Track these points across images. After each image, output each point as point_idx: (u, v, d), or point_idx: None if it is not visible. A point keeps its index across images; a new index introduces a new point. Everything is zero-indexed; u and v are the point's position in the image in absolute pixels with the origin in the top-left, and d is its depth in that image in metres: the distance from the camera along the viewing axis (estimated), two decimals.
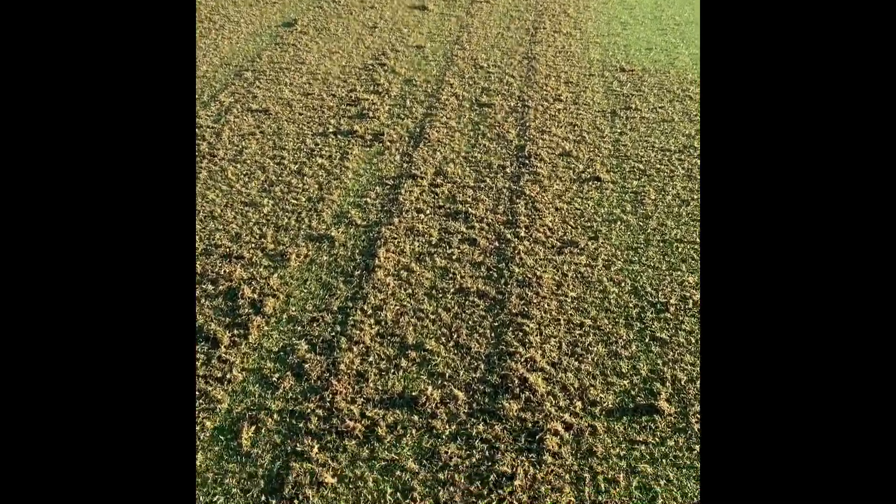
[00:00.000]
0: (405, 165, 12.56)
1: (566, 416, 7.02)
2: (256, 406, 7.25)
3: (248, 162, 12.65)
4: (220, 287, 9.00)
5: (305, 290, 9.13)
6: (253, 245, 10.08)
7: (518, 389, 7.39)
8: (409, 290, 9.08)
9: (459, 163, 12.55)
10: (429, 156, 12.87)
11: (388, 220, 10.79)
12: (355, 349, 8.01)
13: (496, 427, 6.92)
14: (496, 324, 8.46)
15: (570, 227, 10.56)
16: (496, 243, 10.15)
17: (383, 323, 8.47)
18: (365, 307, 8.72)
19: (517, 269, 9.47)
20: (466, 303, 8.83)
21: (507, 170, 12.38)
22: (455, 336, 8.24)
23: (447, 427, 6.95)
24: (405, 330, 8.34)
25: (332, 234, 10.34)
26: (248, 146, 13.23)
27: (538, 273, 9.39)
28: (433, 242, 10.16)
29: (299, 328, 8.41)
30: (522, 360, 7.80)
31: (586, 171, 12.30)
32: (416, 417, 7.05)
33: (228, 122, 13.72)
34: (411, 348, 8.07)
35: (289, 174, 12.17)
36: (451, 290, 9.07)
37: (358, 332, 8.27)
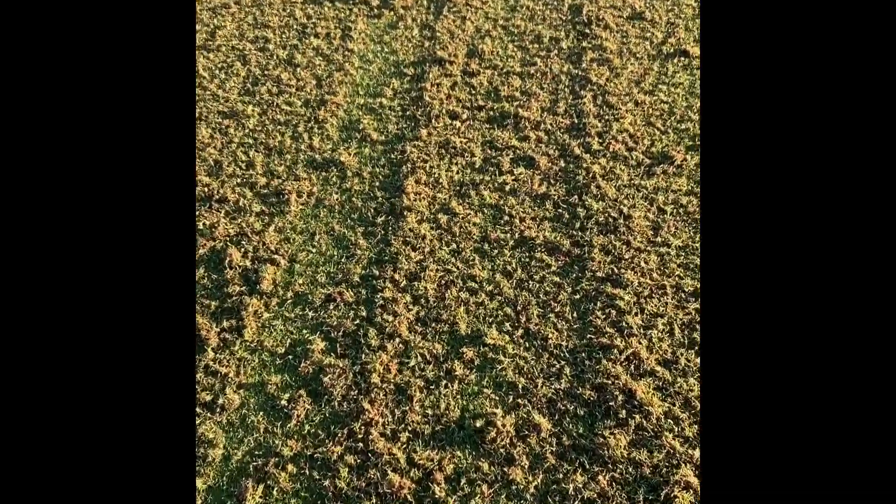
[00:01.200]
0: (427, 44, 9.59)
1: (697, 454, 4.96)
2: (263, 450, 5.22)
3: (223, 49, 9.71)
4: (200, 251, 6.67)
5: (314, 250, 6.79)
6: (238, 180, 7.58)
7: (623, 410, 5.28)
8: (454, 246, 6.71)
9: (498, 36, 9.54)
10: (456, 27, 9.83)
11: (412, 131, 8.13)
12: (389, 346, 5.84)
13: (600, 478, 4.89)
14: (578, 296, 6.18)
15: (657, 132, 7.88)
16: (561, 162, 7.57)
17: (423, 301, 6.22)
18: (396, 276, 6.42)
19: (595, 205, 6.99)
20: (533, 262, 6.49)
21: (563, 44, 9.40)
22: (523, 319, 6.01)
23: (530, 479, 4.94)
24: (454, 311, 6.11)
25: (342, 157, 7.77)
26: (222, 25, 10.20)
27: (624, 209, 6.93)
28: (476, 165, 7.60)
29: (311, 314, 6.19)
30: (622, 358, 5.62)
31: (667, 41, 9.30)
32: (484, 464, 5.02)
33: None
34: (466, 342, 5.89)
35: (276, 65, 9.30)
36: (510, 243, 6.69)
37: (391, 317, 6.05)
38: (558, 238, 6.72)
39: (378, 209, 7.19)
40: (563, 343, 5.81)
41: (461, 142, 7.88)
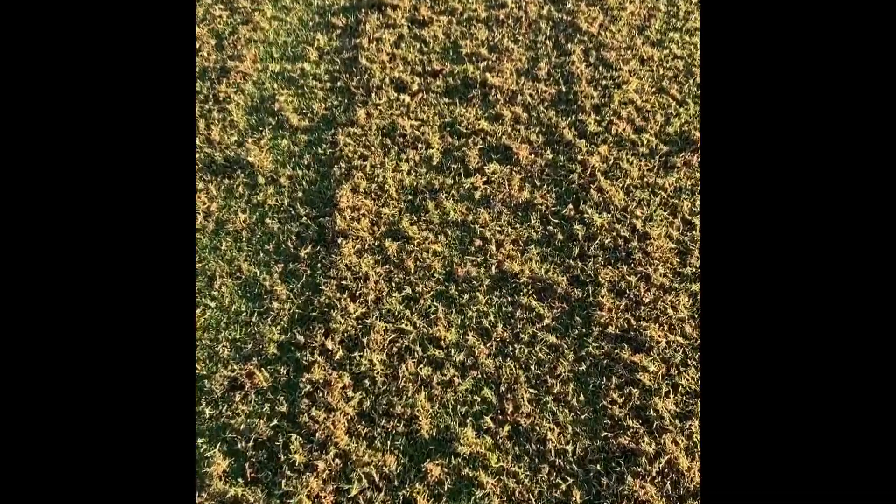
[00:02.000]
0: None
1: None
2: None
3: None
4: None
5: (213, 305, 4.85)
6: None
7: None
8: (408, 290, 4.83)
9: None
10: None
11: (346, 111, 6.04)
12: (321, 464, 4.06)
13: None
14: (583, 367, 4.42)
15: (672, 103, 5.93)
16: (548, 153, 5.62)
17: (368, 383, 4.40)
18: (329, 343, 4.56)
19: (597, 219, 5.13)
20: (518, 313, 4.67)
21: None
22: (510, 408, 4.25)
23: None
24: (412, 398, 4.31)
25: (250, 154, 5.69)
26: None
27: (638, 224, 5.08)
28: (434, 161, 5.61)
29: (208, 411, 4.33)
30: (654, 471, 3.93)
31: None
32: None
33: None
34: (431, 450, 4.13)
35: None
36: (486, 282, 4.83)
37: (322, 412, 4.25)
38: (551, 272, 4.87)
39: (302, 235, 5.21)
40: (568, 447, 4.09)
41: (412, 126, 5.83)
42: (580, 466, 4.04)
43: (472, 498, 3.94)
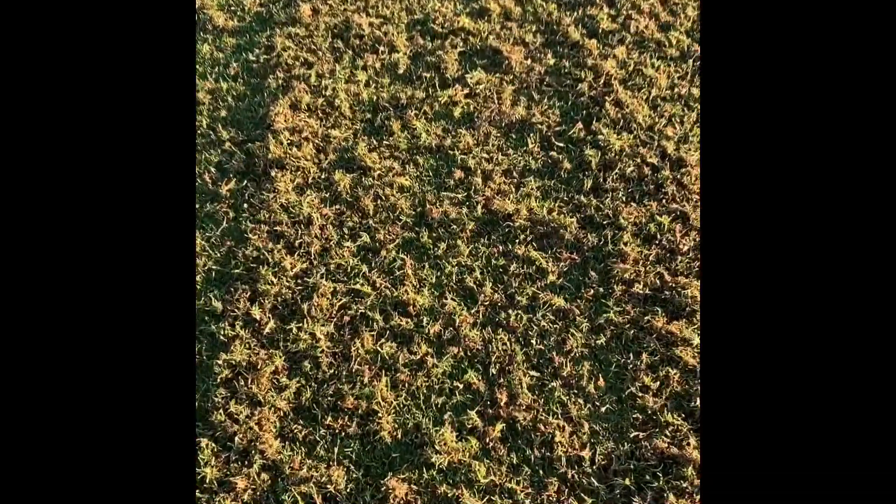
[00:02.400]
0: None
1: None
2: None
3: None
4: None
5: None
6: None
7: None
8: (364, 238, 3.60)
9: None
10: None
11: (286, 7, 4.65)
12: (239, 482, 2.89)
13: None
14: (602, 340, 3.27)
15: None
16: (548, 56, 4.31)
17: (309, 368, 3.21)
18: (255, 311, 3.35)
19: (614, 141, 3.89)
20: (513, 268, 3.48)
21: None
22: (503, 398, 3.10)
23: None
24: (369, 387, 3.14)
25: None
26: None
27: (669, 146, 3.85)
28: (400, 67, 4.28)
29: None
30: None
31: None
32: None
33: None
34: (396, 462, 2.98)
35: None
36: (469, 226, 3.62)
37: (245, 408, 3.06)
38: (555, 212, 3.65)
39: (224, 166, 3.92)
40: (584, 453, 2.94)
41: (371, 24, 4.47)
42: (602, 481, 2.90)
43: None
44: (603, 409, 3.08)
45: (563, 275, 3.47)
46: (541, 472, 2.94)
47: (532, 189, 3.75)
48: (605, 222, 3.63)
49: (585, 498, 2.86)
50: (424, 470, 2.95)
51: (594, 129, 3.97)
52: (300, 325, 3.33)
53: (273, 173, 3.84)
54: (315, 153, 3.95)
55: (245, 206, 3.74)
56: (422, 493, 2.91)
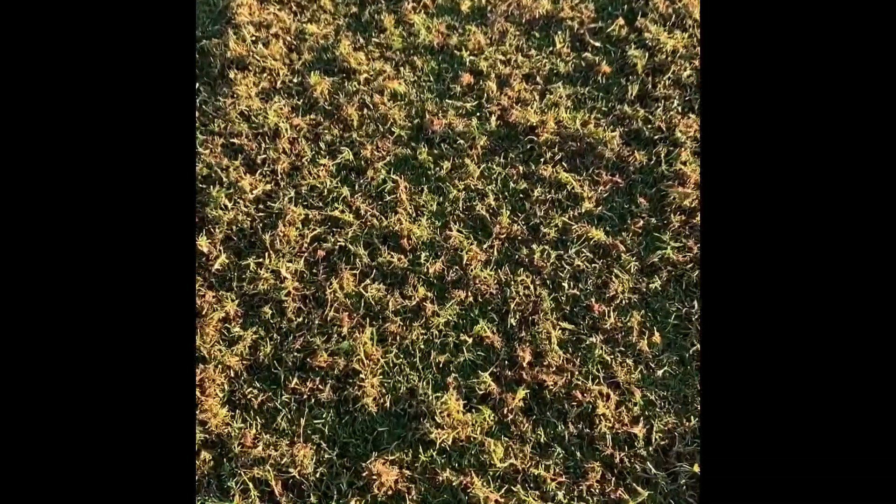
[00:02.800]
0: None
1: None
2: None
3: None
4: None
5: None
6: None
7: None
8: (345, 155, 2.81)
9: None
10: None
11: None
12: None
13: None
14: (661, 286, 2.48)
15: None
16: None
17: (272, 311, 2.43)
18: (212, 233, 2.55)
19: (667, 41, 3.08)
20: (536, 194, 2.69)
21: None
22: (525, 355, 2.32)
23: None
24: (349, 349, 2.36)
25: None
26: None
27: None
28: None
29: None
30: None
31: None
32: None
33: None
34: (384, 434, 2.20)
35: None
36: (480, 143, 2.83)
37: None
38: (591, 125, 2.86)
39: None
40: (637, 430, 2.18)
41: None
42: (661, 467, 2.14)
43: None
44: (660, 373, 2.31)
45: (602, 202, 2.68)
46: (578, 454, 2.18)
47: (561, 97, 2.95)
48: (656, 137, 2.84)
49: (640, 490, 2.10)
50: (421, 450, 2.19)
51: (639, 27, 3.17)
52: (260, 260, 2.55)
53: (232, 75, 3.03)
54: (286, 52, 3.14)
55: (196, 113, 2.94)
56: (417, 480, 2.14)
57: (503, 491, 2.11)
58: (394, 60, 3.12)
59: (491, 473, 2.15)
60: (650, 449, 2.18)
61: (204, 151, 2.81)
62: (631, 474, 2.14)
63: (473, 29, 3.19)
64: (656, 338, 2.37)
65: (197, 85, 3.02)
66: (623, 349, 2.36)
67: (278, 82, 3.04)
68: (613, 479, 2.13)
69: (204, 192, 2.71)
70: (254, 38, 3.15)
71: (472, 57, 3.11)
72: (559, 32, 3.18)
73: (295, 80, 3.04)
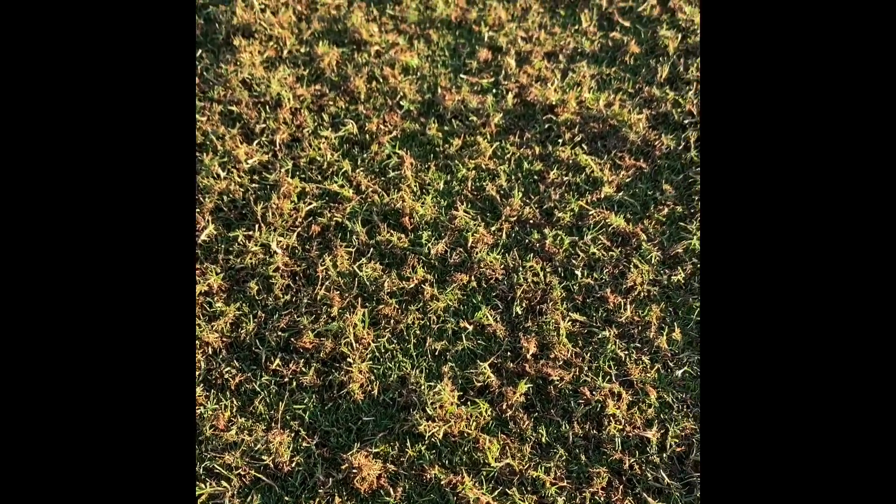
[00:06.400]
0: None
1: None
2: None
3: None
4: None
5: None
6: None
7: None
8: (349, 128, 2.63)
9: None
10: None
11: None
12: None
13: None
14: (685, 278, 2.24)
15: None
16: None
17: (258, 286, 2.24)
18: (201, 202, 2.37)
19: (699, 18, 2.84)
20: (551, 178, 2.47)
21: None
22: (532, 355, 2.09)
23: None
24: (338, 331, 2.15)
25: None
26: None
27: None
28: None
29: None
30: None
31: None
32: None
33: None
34: (370, 424, 1.99)
35: None
36: (495, 120, 2.63)
37: None
38: (615, 106, 2.66)
39: None
40: (652, 435, 1.95)
41: None
42: (675, 477, 1.90)
43: None
44: (678, 373, 2.08)
45: (624, 187, 2.46)
46: (583, 457, 1.95)
47: (584, 77, 2.75)
48: (685, 122, 2.61)
49: (650, 500, 1.86)
50: (408, 443, 1.97)
51: (671, 7, 2.95)
52: (250, 233, 2.37)
53: (237, 42, 2.88)
54: (295, 21, 2.98)
55: (196, 80, 2.79)
56: (402, 476, 1.93)
57: (497, 493, 1.89)
58: (408, 33, 2.94)
59: (484, 473, 1.93)
60: (664, 456, 1.94)
61: (200, 119, 2.65)
62: (641, 482, 1.90)
63: (494, 4, 3.01)
64: (676, 334, 2.14)
65: (199, 52, 2.87)
66: (639, 345, 2.13)
67: (285, 51, 2.88)
68: (621, 486, 1.90)
69: (196, 160, 2.55)
70: (262, 6, 3.00)
71: (491, 32, 2.92)
72: (586, 10, 2.97)
73: (302, 50, 2.88)
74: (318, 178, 2.52)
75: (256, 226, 2.39)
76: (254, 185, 2.51)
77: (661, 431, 1.98)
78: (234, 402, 2.08)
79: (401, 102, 2.71)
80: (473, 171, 2.52)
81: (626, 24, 2.93)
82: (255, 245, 2.35)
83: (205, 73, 2.81)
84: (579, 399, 2.03)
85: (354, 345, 2.14)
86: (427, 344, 2.15)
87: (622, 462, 1.93)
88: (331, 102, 2.72)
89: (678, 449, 1.95)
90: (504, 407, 2.02)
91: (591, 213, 2.39)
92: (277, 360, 2.13)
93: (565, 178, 2.49)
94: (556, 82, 2.73)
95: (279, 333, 2.18)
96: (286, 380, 2.11)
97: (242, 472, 1.95)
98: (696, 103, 2.65)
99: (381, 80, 2.78)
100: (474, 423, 1.99)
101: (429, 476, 1.92)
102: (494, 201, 2.45)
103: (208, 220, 2.41)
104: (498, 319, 2.19)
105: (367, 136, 2.62)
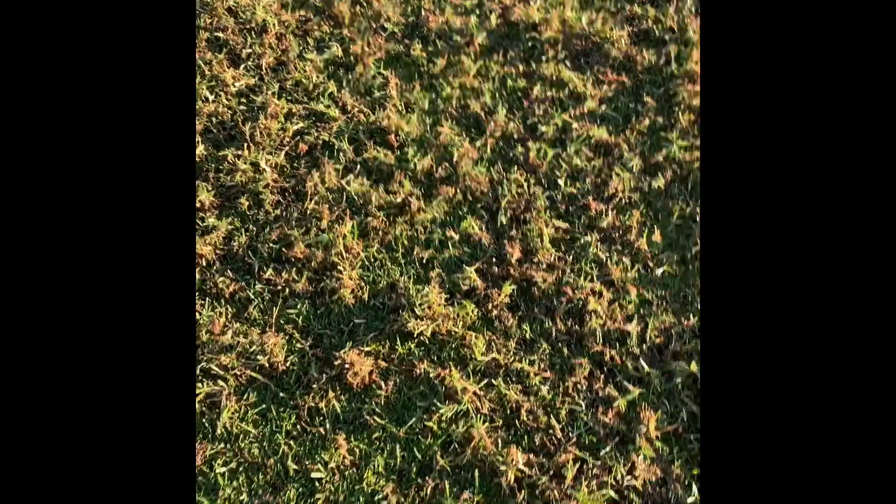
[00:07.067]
0: None
1: None
2: None
3: None
4: None
5: None
6: None
7: None
8: (333, 50, 2.65)
9: None
10: None
11: None
12: None
13: None
14: (664, 185, 2.29)
15: None
16: None
17: (248, 201, 2.29)
18: None
19: None
20: (534, 93, 2.51)
21: None
22: (516, 261, 2.15)
23: None
24: (327, 243, 2.22)
25: None
26: None
27: None
28: None
29: None
30: None
31: None
32: None
33: None
34: (360, 328, 2.06)
35: None
36: (478, 39, 2.65)
37: None
38: (598, 23, 2.69)
39: None
40: (632, 328, 2.03)
41: None
42: (655, 365, 1.99)
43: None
44: (658, 272, 2.15)
45: (606, 101, 2.50)
46: (565, 350, 2.02)
47: None
48: (666, 37, 2.64)
49: (630, 388, 1.94)
50: (398, 341, 2.05)
51: None
52: (239, 152, 2.42)
53: None
54: None
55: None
56: (392, 371, 2.01)
57: (483, 384, 1.97)
58: None
59: (471, 367, 2.00)
60: (644, 347, 2.02)
61: None
62: (622, 372, 1.98)
63: None
64: (657, 237, 2.20)
65: None
66: (620, 248, 2.20)
67: None
68: (602, 376, 1.98)
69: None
70: None
71: None
72: None
73: None
74: (304, 99, 2.55)
75: (245, 145, 2.43)
76: (241, 107, 2.54)
77: (641, 325, 2.05)
78: (229, 309, 2.15)
79: (385, 25, 2.73)
80: (458, 90, 2.56)
81: None
82: (245, 164, 2.39)
83: None
84: (562, 298, 2.10)
85: (344, 254, 2.21)
86: (415, 252, 2.22)
87: (603, 354, 2.01)
88: (315, 27, 2.74)
89: (658, 340, 2.03)
90: (490, 307, 2.10)
91: (574, 126, 2.43)
92: (270, 270, 2.19)
93: (549, 94, 2.53)
94: (538, 1, 2.76)
95: (271, 245, 2.24)
96: (279, 288, 2.17)
97: (238, 373, 2.02)
98: (676, 20, 2.67)
99: (364, 4, 2.79)
100: (461, 322, 2.07)
101: (418, 371, 2.00)
102: (479, 118, 2.49)
103: (198, 141, 2.45)
104: (483, 228, 2.25)
105: (352, 58, 2.65)
